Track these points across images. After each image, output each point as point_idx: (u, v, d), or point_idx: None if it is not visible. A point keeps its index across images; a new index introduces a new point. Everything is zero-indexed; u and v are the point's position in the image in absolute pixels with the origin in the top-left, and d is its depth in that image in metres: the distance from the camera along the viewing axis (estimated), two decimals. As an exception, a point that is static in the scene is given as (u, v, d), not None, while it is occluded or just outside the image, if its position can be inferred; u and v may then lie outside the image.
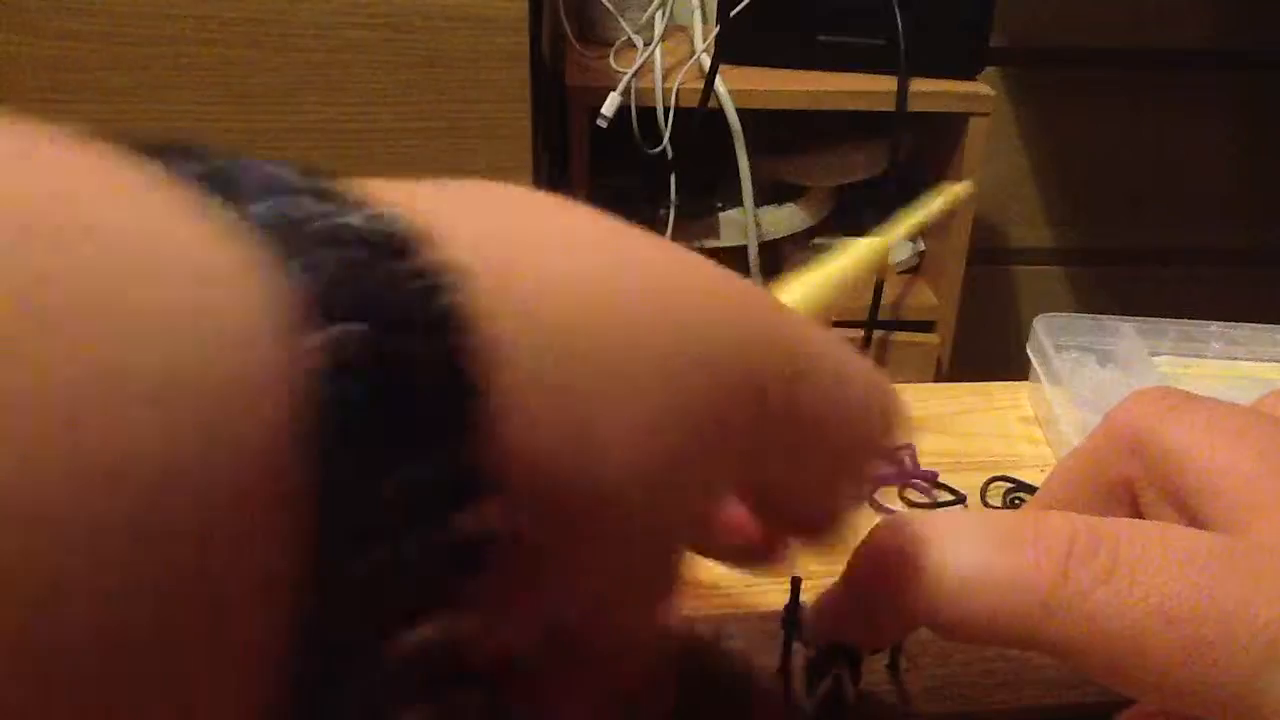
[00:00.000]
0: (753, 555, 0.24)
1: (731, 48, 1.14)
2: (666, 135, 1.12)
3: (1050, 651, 0.20)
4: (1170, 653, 0.19)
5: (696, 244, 1.23)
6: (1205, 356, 0.56)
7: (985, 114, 1.15)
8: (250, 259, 0.13)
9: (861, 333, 1.21)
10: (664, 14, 1.17)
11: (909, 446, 0.52)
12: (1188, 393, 0.24)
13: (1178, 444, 0.23)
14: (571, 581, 0.16)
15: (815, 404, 0.20)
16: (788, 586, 0.26)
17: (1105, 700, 0.24)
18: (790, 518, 0.22)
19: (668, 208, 1.17)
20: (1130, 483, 0.25)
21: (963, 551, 0.21)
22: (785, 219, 1.25)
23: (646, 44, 1.15)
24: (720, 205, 1.23)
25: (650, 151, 1.14)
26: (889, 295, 1.23)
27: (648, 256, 0.18)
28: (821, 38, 1.16)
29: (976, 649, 0.25)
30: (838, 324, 1.24)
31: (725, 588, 0.36)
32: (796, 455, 0.20)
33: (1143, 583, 0.20)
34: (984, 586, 0.21)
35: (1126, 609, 0.20)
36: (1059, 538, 0.20)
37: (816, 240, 1.29)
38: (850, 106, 1.13)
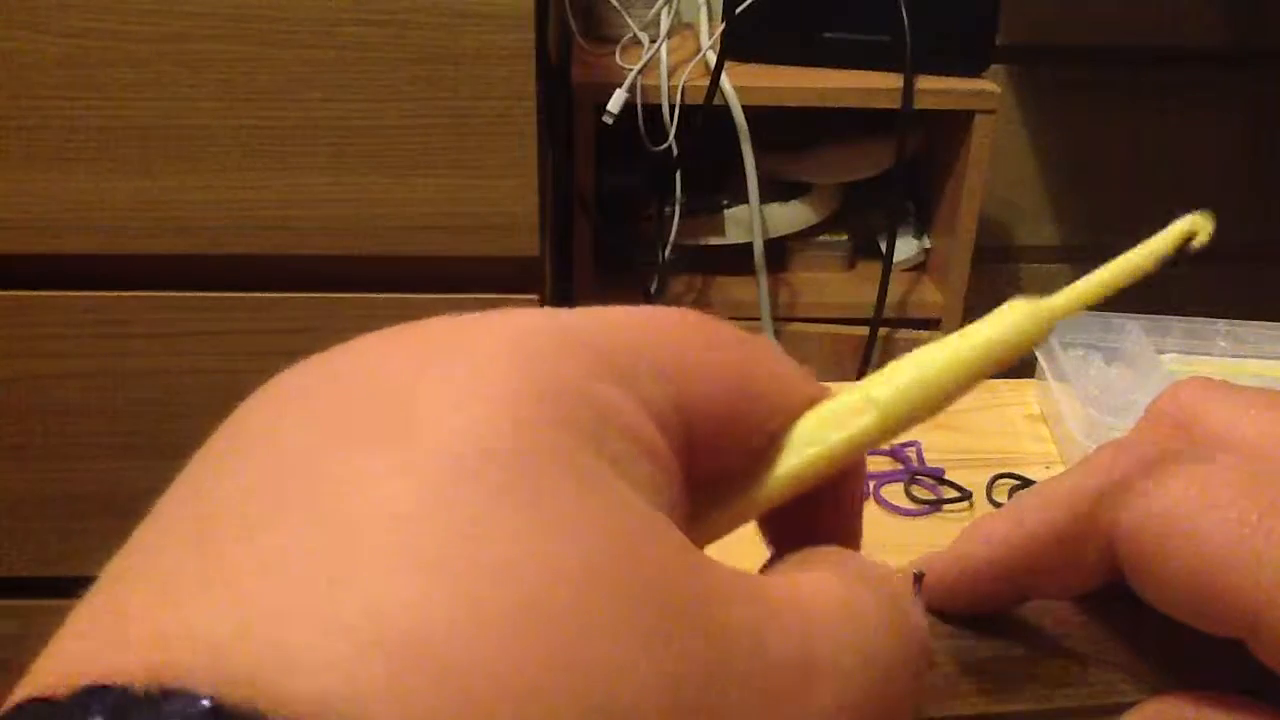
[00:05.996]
0: None
1: (737, 45, 1.14)
2: (672, 132, 1.12)
3: (1109, 542, 0.21)
4: (1212, 532, 0.20)
5: (702, 241, 1.24)
6: (1212, 354, 0.56)
7: (991, 111, 1.15)
8: None
9: (866, 331, 1.21)
10: (670, 11, 1.17)
11: (915, 444, 0.52)
12: (1225, 380, 0.25)
13: (1222, 421, 0.24)
14: None
15: None
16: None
17: (1115, 702, 0.24)
18: None
19: (673, 205, 1.17)
20: None
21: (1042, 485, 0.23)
22: (791, 216, 1.25)
23: (652, 41, 1.15)
24: (726, 203, 1.23)
25: (656, 149, 1.13)
26: (894, 293, 1.23)
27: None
28: (827, 35, 1.16)
29: (991, 649, 0.25)
30: (841, 322, 1.24)
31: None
32: None
33: (1187, 472, 0.21)
34: (1056, 499, 0.22)
35: (1171, 490, 0.20)
36: (1110, 447, 0.22)
37: (822, 238, 1.29)
38: (856, 104, 1.13)
